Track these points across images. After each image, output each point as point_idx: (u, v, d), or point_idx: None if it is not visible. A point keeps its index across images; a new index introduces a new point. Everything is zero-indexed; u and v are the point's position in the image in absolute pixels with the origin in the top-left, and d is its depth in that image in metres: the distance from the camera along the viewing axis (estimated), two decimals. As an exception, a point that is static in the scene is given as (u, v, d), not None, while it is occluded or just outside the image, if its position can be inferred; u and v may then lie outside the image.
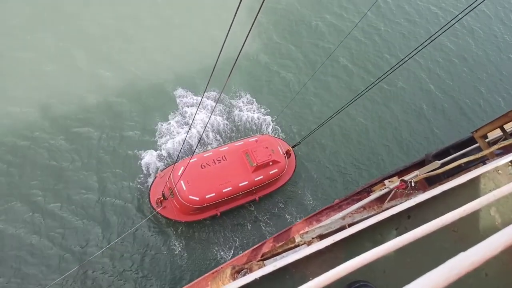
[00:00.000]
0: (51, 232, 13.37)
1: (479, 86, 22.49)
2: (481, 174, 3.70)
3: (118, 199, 14.44)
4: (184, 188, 13.06)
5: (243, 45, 5.75)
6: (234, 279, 4.03)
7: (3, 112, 14.97)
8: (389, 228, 3.18)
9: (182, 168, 12.99)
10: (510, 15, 27.29)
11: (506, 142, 6.07)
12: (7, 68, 15.93)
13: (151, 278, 13.37)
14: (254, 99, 18.15)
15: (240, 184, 13.81)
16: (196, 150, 15.52)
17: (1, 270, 12.44)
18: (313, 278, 1.83)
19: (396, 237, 1.99)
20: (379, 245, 1.93)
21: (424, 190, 8.02)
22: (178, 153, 15.46)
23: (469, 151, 9.05)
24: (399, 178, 8.66)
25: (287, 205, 16.00)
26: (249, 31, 5.40)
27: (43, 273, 12.66)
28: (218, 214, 14.27)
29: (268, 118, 17.82)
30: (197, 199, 13.18)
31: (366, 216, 7.20)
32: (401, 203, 3.40)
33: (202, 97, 10.99)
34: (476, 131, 8.33)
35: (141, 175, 15.05)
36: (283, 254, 5.33)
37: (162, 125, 16.35)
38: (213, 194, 13.39)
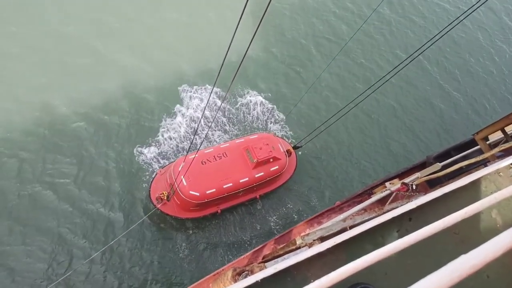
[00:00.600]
0: (50, 229, 13.37)
1: (484, 86, 22.44)
2: (482, 176, 3.70)
3: (118, 195, 14.43)
4: (185, 184, 13.14)
5: (250, 44, 5.77)
6: (235, 281, 4.03)
7: (23, 100, 15.12)
8: (390, 230, 3.19)
9: (183, 164, 13.06)
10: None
11: (507, 145, 6.07)
12: (20, 58, 16.01)
13: (150, 281, 13.35)
14: (262, 96, 18.11)
15: (241, 181, 13.88)
16: (200, 147, 15.57)
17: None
18: (314, 280, 1.83)
19: (397, 239, 1.99)
20: (380, 247, 1.94)
21: (425, 192, 8.01)
22: (180, 150, 15.46)
23: (471, 153, 9.04)
24: (400, 180, 8.66)
25: (288, 206, 15.99)
26: (256, 30, 5.42)
27: (38, 274, 12.64)
28: (219, 211, 14.32)
29: (276, 114, 17.79)
30: (198, 194, 13.25)
31: (367, 218, 7.20)
32: (402, 205, 3.40)
33: (211, 94, 10.96)
34: (477, 133, 8.32)
35: (142, 171, 15.04)
36: (284, 256, 5.32)
37: (166, 121, 16.30)
38: (214, 190, 13.45)
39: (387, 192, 7.67)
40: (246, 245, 14.71)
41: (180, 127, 16.18)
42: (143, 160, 15.25)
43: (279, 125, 17.63)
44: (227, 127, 16.90)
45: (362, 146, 18.38)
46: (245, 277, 4.02)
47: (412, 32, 23.23)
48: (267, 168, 14.30)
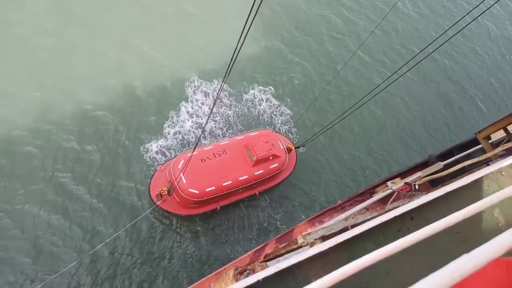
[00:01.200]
0: (48, 226, 13.39)
1: (490, 84, 22.36)
2: (484, 176, 3.69)
3: (119, 191, 14.43)
4: (184, 181, 13.18)
5: (244, 38, 5.76)
6: (237, 280, 4.04)
7: (27, 97, 15.13)
8: (392, 230, 3.19)
9: (182, 161, 13.07)
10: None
11: (510, 144, 6.05)
12: (32, 55, 16.04)
13: (149, 280, 13.38)
14: (269, 93, 18.09)
15: (240, 178, 13.90)
16: (204, 142, 15.60)
17: None
18: (316, 279, 1.83)
19: (399, 238, 1.99)
20: (382, 246, 1.94)
21: (427, 191, 7.99)
22: (185, 144, 15.46)
23: (473, 152, 9.03)
24: (401, 179, 8.66)
25: (289, 203, 15.99)
26: (250, 23, 5.41)
27: (39, 266, 12.67)
28: (218, 208, 14.36)
29: (283, 109, 17.78)
30: (197, 192, 13.28)
31: (369, 217, 7.20)
32: (404, 204, 3.40)
33: (220, 91, 10.96)
34: (479, 132, 8.31)
35: (143, 168, 15.06)
36: (286, 255, 5.33)
37: (171, 116, 16.27)
38: (213, 187, 13.48)
39: (389, 191, 7.67)
40: (247, 244, 14.71)
41: (185, 122, 16.14)
42: (149, 155, 15.25)
43: (285, 120, 17.57)
44: (232, 122, 16.86)
45: (365, 145, 18.35)
46: (247, 276, 4.02)
47: (417, 30, 23.15)
48: (266, 165, 14.33)
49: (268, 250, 8.20)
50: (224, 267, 8.65)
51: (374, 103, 19.59)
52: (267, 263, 5.04)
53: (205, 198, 13.49)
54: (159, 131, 15.94)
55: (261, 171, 14.25)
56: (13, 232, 13.07)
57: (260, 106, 17.60)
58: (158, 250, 13.90)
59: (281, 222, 15.55)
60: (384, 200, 8.04)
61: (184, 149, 15.31)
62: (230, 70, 7.06)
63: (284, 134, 17.08)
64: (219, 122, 16.72)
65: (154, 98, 16.68)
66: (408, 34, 22.81)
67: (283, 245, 6.79)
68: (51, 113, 15.22)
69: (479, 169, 5.03)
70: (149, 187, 14.11)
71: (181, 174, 13.04)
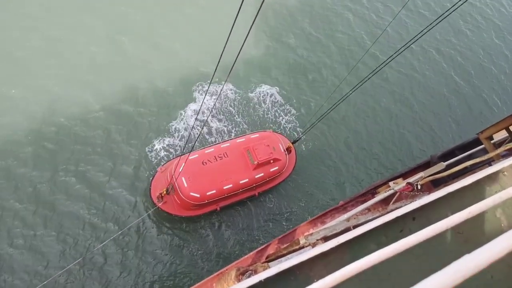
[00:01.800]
0: (46, 225, 13.43)
1: (493, 84, 22.28)
2: (486, 176, 3.69)
3: (121, 191, 14.44)
4: (185, 185, 13.25)
5: (245, 38, 5.77)
6: (239, 280, 4.05)
7: (42, 91, 15.31)
8: (394, 230, 3.18)
9: (184, 164, 13.12)
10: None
11: (512, 144, 6.03)
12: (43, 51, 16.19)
13: (149, 280, 13.39)
14: (275, 91, 18.10)
15: (241, 182, 14.00)
16: (210, 141, 15.66)
17: None
18: (317, 280, 1.84)
19: (401, 239, 1.99)
20: (384, 247, 1.94)
21: (429, 192, 7.98)
22: (186, 146, 15.49)
23: (475, 152, 9.01)
24: (404, 179, 8.66)
25: (290, 203, 15.99)
26: (252, 22, 5.42)
27: (39, 267, 12.69)
28: (218, 209, 14.45)
29: (287, 108, 17.80)
30: (198, 195, 13.37)
31: (370, 217, 7.18)
32: (406, 205, 3.40)
33: (221, 91, 10.93)
34: (481, 132, 8.29)
35: (148, 167, 15.07)
36: (288, 256, 5.33)
37: (177, 115, 16.30)
38: (214, 191, 13.57)
39: (391, 191, 7.67)
40: (249, 244, 14.72)
41: (190, 121, 16.16)
42: (153, 155, 15.28)
43: (290, 120, 17.58)
44: (238, 121, 16.88)
45: (367, 145, 18.32)
46: (249, 276, 4.03)
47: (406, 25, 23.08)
48: (267, 168, 14.42)
49: (270, 250, 8.21)
50: (226, 267, 8.66)
51: (376, 101, 19.61)
52: (269, 263, 5.04)
53: (206, 201, 13.59)
54: (165, 131, 15.96)
55: (262, 174, 14.34)
56: (14, 232, 13.12)
57: (265, 104, 17.65)
58: (159, 251, 13.92)
59: (283, 222, 15.56)
60: (386, 201, 8.03)
61: (186, 150, 15.35)
62: (231, 70, 7.08)
63: (289, 132, 17.12)
64: (224, 121, 16.75)
65: (160, 98, 16.69)
66: (417, 31, 22.78)
67: (285, 245, 6.80)
68: (58, 113, 15.29)
69: (481, 170, 5.03)
70: (149, 189, 14.15)
71: (182, 178, 13.10)
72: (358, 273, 1.84)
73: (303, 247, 4.98)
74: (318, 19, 21.44)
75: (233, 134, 16.42)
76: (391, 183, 8.92)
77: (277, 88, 18.24)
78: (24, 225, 13.25)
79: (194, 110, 16.52)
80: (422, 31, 8.65)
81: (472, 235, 3.15)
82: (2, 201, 13.46)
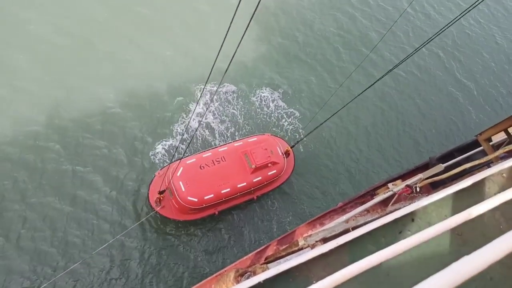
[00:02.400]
0: (46, 227, 13.40)
1: (492, 86, 22.33)
2: (485, 178, 3.69)
3: (118, 196, 14.40)
4: (183, 189, 13.21)
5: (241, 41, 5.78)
6: (238, 282, 4.04)
7: (45, 94, 15.28)
8: (392, 231, 3.18)
9: (182, 168, 13.07)
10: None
11: (511, 146, 6.05)
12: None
13: (150, 282, 13.35)
14: (277, 95, 18.14)
15: (239, 185, 13.95)
16: (213, 143, 15.64)
17: None
18: (316, 281, 1.84)
19: (400, 240, 1.99)
20: (382, 248, 1.94)
21: (428, 193, 7.99)
22: (191, 148, 15.46)
23: (474, 154, 9.02)
24: (402, 181, 8.65)
25: (290, 204, 15.99)
26: (248, 24, 5.43)
27: (39, 267, 12.66)
28: (216, 213, 14.40)
29: (290, 111, 17.83)
30: (196, 200, 13.33)
31: (369, 219, 7.19)
32: (404, 206, 3.40)
33: (216, 90, 10.92)
34: (480, 134, 8.31)
35: (144, 173, 15.03)
36: (287, 257, 5.33)
37: (179, 118, 16.29)
38: (212, 195, 13.52)
39: (390, 193, 7.66)
40: (248, 245, 14.71)
41: (191, 123, 16.13)
42: (155, 157, 15.29)
43: (292, 122, 17.60)
44: (240, 123, 16.90)
45: (366, 147, 18.34)
46: (248, 278, 4.03)
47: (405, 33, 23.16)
48: (265, 172, 14.39)
49: (269, 252, 8.20)
50: (225, 269, 8.65)
51: (375, 105, 19.63)
52: (268, 265, 5.03)
53: (204, 205, 13.55)
54: (167, 133, 15.96)
55: (260, 178, 14.29)
56: (13, 233, 13.09)
57: (267, 108, 17.65)
58: (158, 253, 13.89)
59: (282, 224, 15.55)
60: (385, 202, 8.04)
61: (185, 153, 15.34)
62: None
63: (290, 134, 17.15)
64: (227, 123, 16.74)
65: (162, 101, 16.69)
66: (418, 35, 22.83)
67: (284, 247, 6.79)
68: (61, 116, 15.29)
69: (480, 171, 5.03)
70: (148, 193, 14.10)
71: (180, 182, 13.06)
72: (357, 275, 1.84)
73: (302, 249, 4.97)
74: (323, 19, 21.45)
75: (236, 137, 16.42)
76: (390, 185, 8.93)
77: (280, 91, 18.25)
78: (24, 226, 13.21)
79: (196, 113, 16.53)
80: (437, 32, 8.54)
81: (471, 237, 3.15)
82: (2, 201, 13.43)
